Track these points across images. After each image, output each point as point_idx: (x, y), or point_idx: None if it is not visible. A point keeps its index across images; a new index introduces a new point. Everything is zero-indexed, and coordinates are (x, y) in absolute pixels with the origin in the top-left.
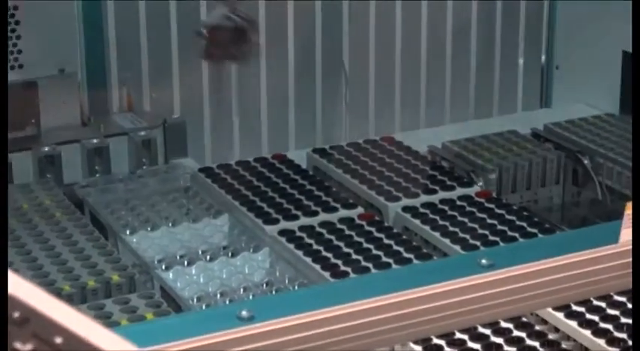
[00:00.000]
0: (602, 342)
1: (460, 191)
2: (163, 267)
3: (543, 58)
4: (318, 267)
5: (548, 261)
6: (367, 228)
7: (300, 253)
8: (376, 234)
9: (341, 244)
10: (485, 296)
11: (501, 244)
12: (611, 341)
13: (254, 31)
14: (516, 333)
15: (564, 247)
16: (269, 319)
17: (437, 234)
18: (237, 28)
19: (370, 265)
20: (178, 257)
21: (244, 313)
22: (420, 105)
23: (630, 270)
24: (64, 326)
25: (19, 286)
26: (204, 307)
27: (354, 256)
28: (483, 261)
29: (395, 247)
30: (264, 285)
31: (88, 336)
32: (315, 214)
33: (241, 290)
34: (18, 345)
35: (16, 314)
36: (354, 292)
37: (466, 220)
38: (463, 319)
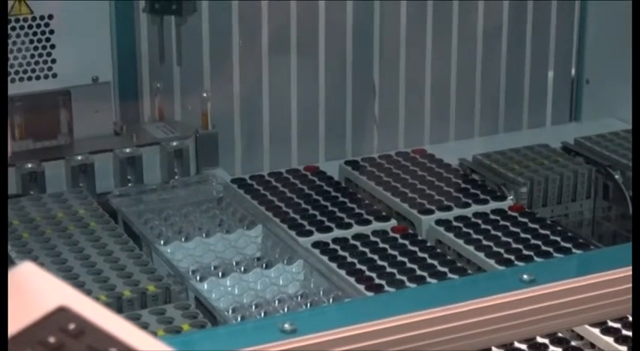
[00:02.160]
0: None
1: (493, 205)
2: (198, 278)
3: (573, 71)
4: (352, 279)
5: (588, 277)
6: (401, 241)
7: (334, 265)
8: (410, 247)
9: (375, 256)
10: (526, 312)
11: (536, 258)
12: None
13: None
14: (552, 348)
15: (604, 263)
16: (312, 332)
17: (471, 247)
18: None
19: (405, 278)
20: (213, 268)
21: (287, 325)
22: (450, 117)
23: None
24: (119, 338)
25: (73, 298)
26: (239, 318)
27: (389, 269)
28: (525, 276)
29: (429, 261)
30: (299, 297)
31: (142, 348)
32: (348, 226)
33: (276, 302)
34: None
35: (72, 326)
36: (396, 306)
37: (500, 233)
38: (504, 335)
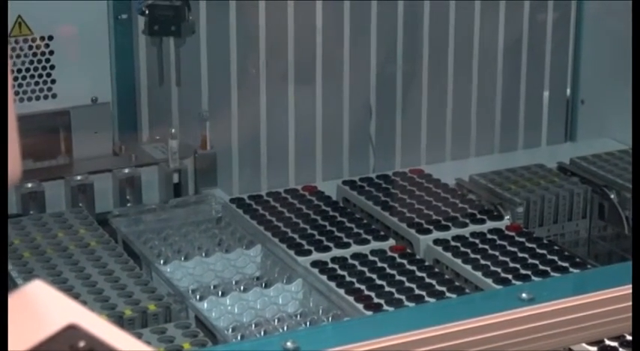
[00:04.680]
0: None
1: (490, 224)
2: (198, 297)
3: (568, 91)
4: (351, 298)
5: (587, 296)
6: (399, 260)
7: (333, 284)
8: (408, 266)
9: (373, 275)
10: (525, 330)
11: (533, 277)
12: None
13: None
14: None
15: (601, 282)
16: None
17: (469, 267)
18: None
19: (403, 298)
20: (212, 287)
21: (289, 344)
22: (446, 137)
23: None
24: None
25: (83, 316)
26: (239, 337)
27: (387, 288)
28: (524, 295)
29: (427, 280)
30: (298, 316)
31: None
32: (347, 245)
33: (276, 321)
34: None
35: (81, 344)
36: (395, 324)
37: (497, 253)
38: None
